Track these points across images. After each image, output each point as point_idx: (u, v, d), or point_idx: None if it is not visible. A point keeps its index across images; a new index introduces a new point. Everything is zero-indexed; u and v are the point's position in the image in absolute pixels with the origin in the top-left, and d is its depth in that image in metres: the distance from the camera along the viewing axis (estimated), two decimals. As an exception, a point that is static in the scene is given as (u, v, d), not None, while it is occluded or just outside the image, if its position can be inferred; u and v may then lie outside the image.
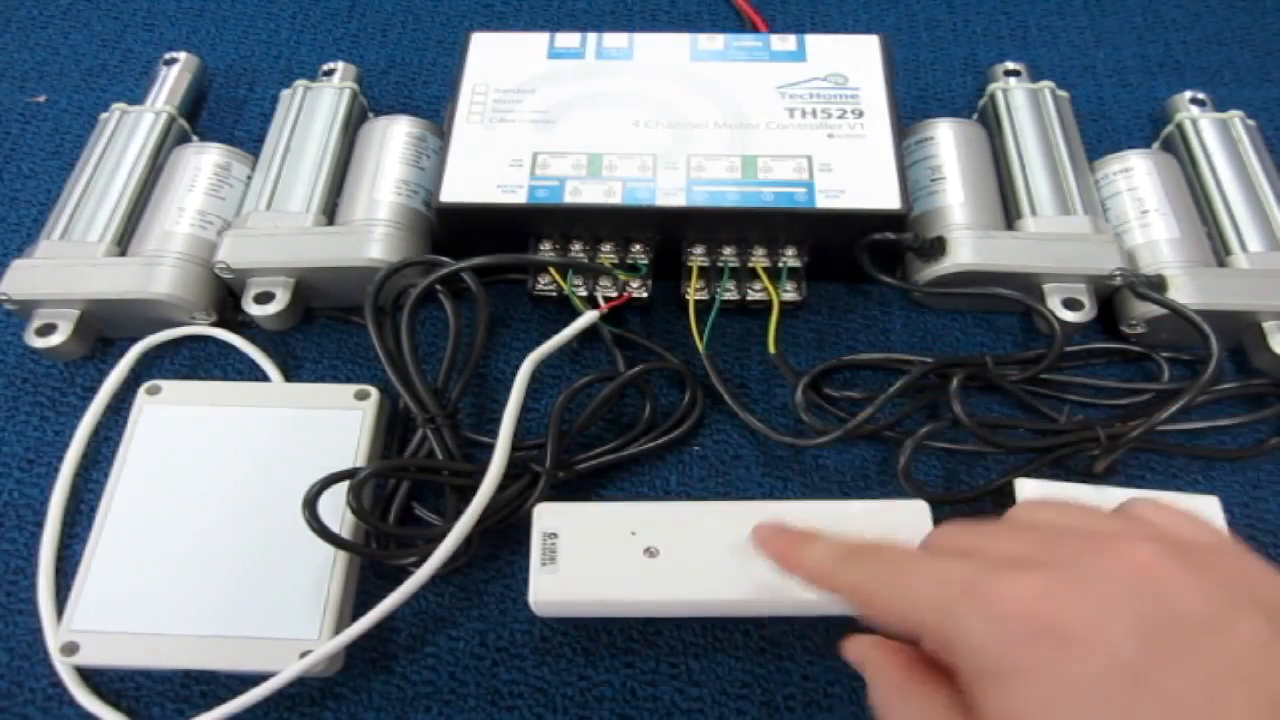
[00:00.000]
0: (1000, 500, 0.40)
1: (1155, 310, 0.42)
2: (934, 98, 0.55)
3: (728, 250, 0.43)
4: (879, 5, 0.60)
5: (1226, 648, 0.21)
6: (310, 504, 0.35)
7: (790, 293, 0.43)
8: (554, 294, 0.43)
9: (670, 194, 0.42)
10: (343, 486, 0.35)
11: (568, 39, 0.48)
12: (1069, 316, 0.42)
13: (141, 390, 0.41)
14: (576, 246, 0.43)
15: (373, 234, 0.43)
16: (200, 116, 0.55)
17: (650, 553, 0.36)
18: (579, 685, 0.36)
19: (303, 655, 0.34)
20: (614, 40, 0.48)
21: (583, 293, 0.43)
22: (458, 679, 0.36)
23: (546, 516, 0.36)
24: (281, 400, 0.41)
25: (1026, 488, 0.39)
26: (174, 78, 0.53)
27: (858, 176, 0.42)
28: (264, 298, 0.43)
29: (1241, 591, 0.22)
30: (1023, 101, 0.49)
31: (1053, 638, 0.22)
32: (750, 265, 0.43)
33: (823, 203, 0.42)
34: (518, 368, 0.40)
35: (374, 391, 0.41)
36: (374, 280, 0.41)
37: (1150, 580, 0.22)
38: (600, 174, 0.43)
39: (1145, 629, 0.21)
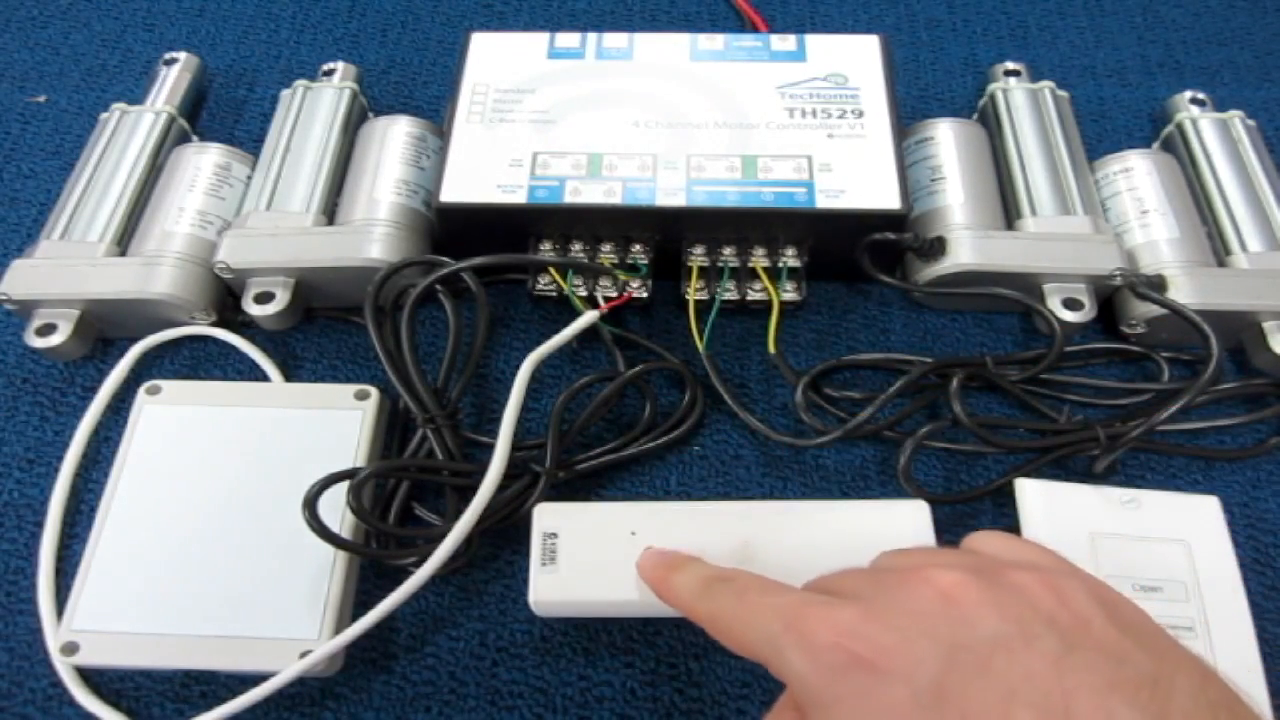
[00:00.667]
0: (1000, 500, 0.40)
1: (1155, 310, 0.42)
2: (934, 98, 0.55)
3: (728, 250, 0.43)
4: (879, 5, 0.60)
5: (1019, 665, 0.22)
6: (310, 504, 0.35)
7: (790, 293, 0.43)
8: (554, 294, 0.43)
9: (670, 194, 0.42)
10: (343, 486, 0.35)
11: (568, 39, 0.48)
12: (1069, 316, 0.42)
13: (141, 390, 0.41)
14: (576, 246, 0.43)
15: (373, 234, 0.43)
16: (200, 116, 0.55)
17: (650, 553, 0.36)
18: (579, 685, 0.36)
19: (303, 655, 0.34)
20: (614, 40, 0.48)
21: (583, 293, 0.43)
22: (458, 679, 0.36)
23: (546, 516, 0.36)
24: (281, 400, 0.41)
25: (1026, 488, 0.39)
26: (174, 78, 0.53)
27: (858, 176, 0.42)
28: (264, 298, 0.43)
29: (1039, 610, 0.23)
30: (1023, 101, 0.49)
31: (862, 667, 0.23)
32: (750, 265, 0.43)
33: (823, 203, 0.42)
34: (518, 368, 0.40)
35: (374, 391, 0.41)
36: (374, 280, 0.41)
37: (950, 605, 0.23)
38: (600, 174, 0.43)
39: (944, 652, 0.22)
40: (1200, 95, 0.51)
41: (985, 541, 0.28)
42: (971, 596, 0.23)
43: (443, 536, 0.35)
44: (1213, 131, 0.48)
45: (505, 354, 0.45)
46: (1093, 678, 0.21)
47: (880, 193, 0.42)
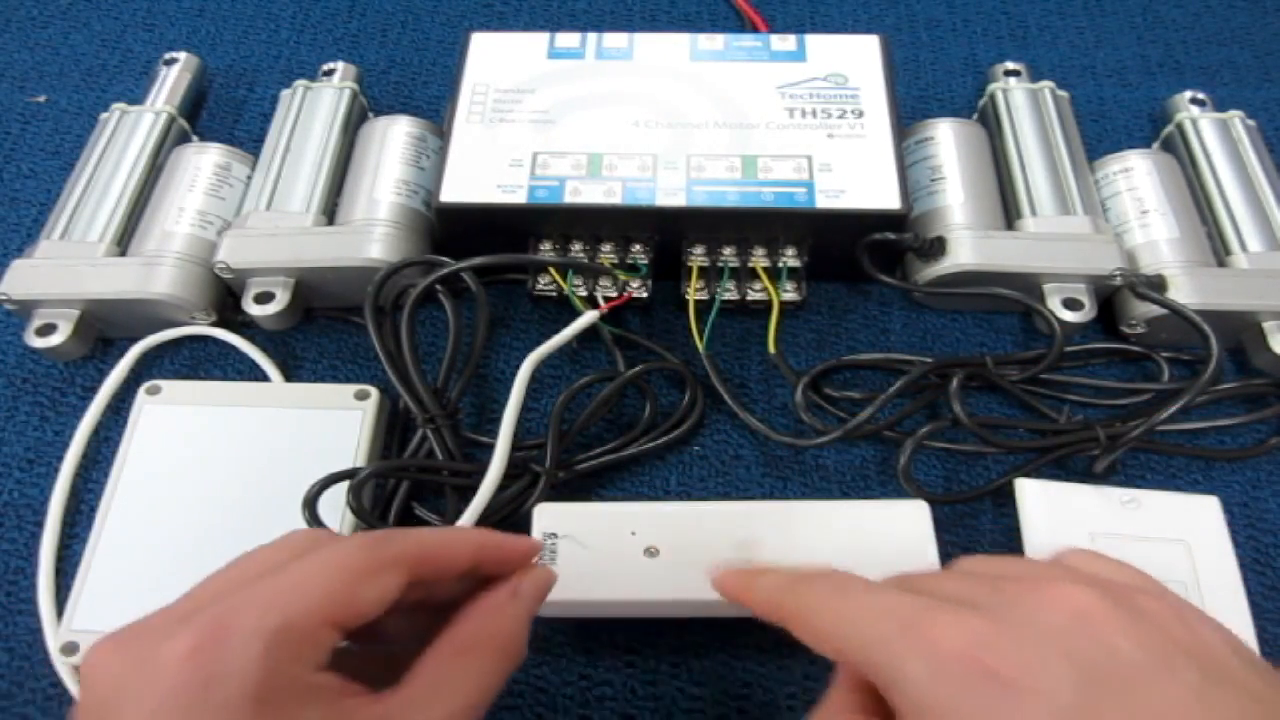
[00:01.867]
0: (1000, 500, 0.40)
1: (1155, 310, 0.42)
2: (934, 98, 0.55)
3: (728, 250, 0.43)
4: (879, 5, 0.60)
5: (1162, 696, 0.21)
6: (310, 504, 0.35)
7: (790, 293, 0.43)
8: (554, 294, 0.43)
9: (670, 194, 0.42)
10: (343, 486, 0.35)
11: (568, 39, 0.48)
12: (1069, 316, 0.42)
13: (141, 390, 0.41)
14: (576, 246, 0.43)
15: (373, 234, 0.43)
16: (200, 116, 0.55)
17: (650, 553, 0.36)
18: (579, 685, 0.36)
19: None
20: (614, 40, 0.48)
21: (583, 293, 0.43)
22: (458, 679, 0.36)
23: (546, 516, 0.36)
24: (281, 400, 0.41)
25: (1026, 488, 0.39)
26: (174, 78, 0.53)
27: (858, 176, 0.42)
28: (264, 298, 0.43)
29: (1176, 639, 0.23)
30: (1023, 101, 0.49)
31: (993, 682, 0.22)
32: (750, 265, 0.43)
33: (823, 203, 0.42)
34: (518, 368, 0.40)
35: (374, 391, 0.41)
36: (374, 280, 0.41)
37: (1088, 625, 0.23)
38: (600, 174, 0.43)
39: (1083, 676, 0.21)
40: (1200, 95, 0.51)
41: (1087, 561, 0.27)
42: (1109, 619, 0.23)
43: (443, 536, 0.35)
44: (1213, 131, 0.48)
45: (505, 354, 0.45)
46: (1234, 714, 0.21)
47: (880, 193, 0.42)
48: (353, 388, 0.41)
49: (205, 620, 0.23)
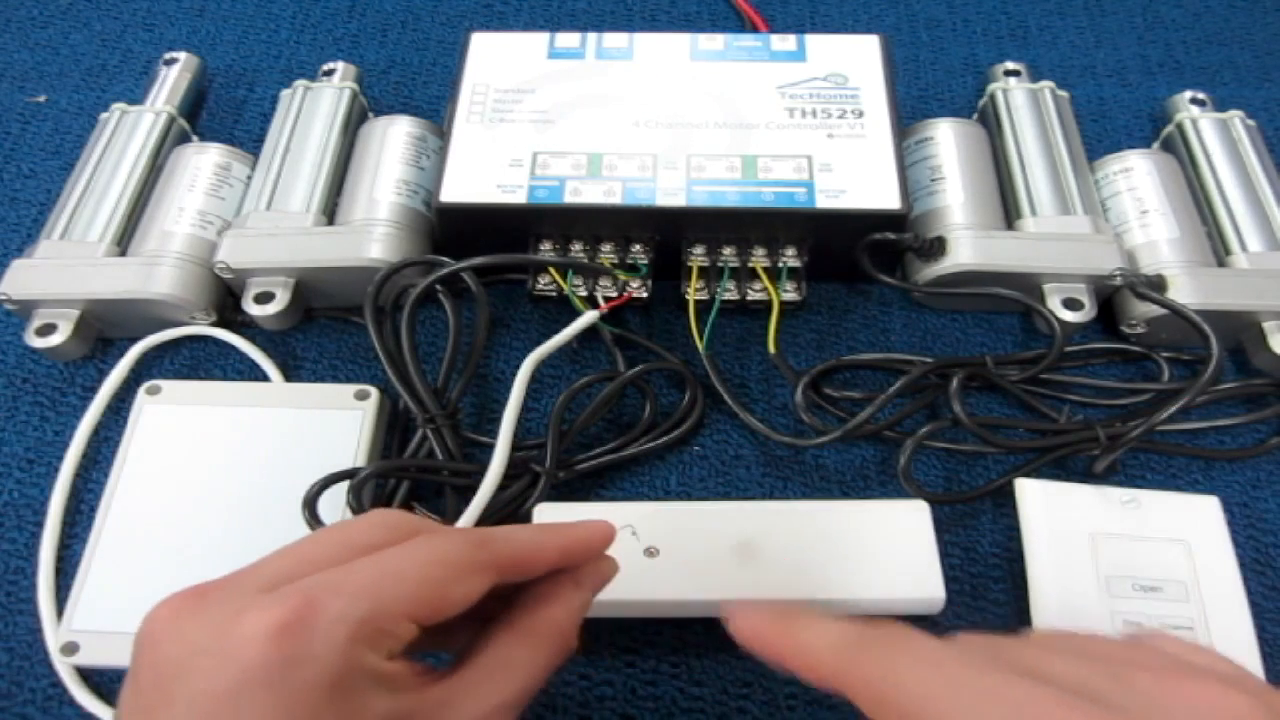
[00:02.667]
0: (1000, 500, 0.40)
1: (1155, 310, 0.42)
2: (934, 98, 0.55)
3: (728, 250, 0.43)
4: (879, 5, 0.60)
5: None
6: (310, 504, 0.35)
7: (790, 293, 0.43)
8: (554, 294, 0.43)
9: (670, 194, 0.42)
10: (343, 486, 0.35)
11: (568, 39, 0.48)
12: (1069, 316, 0.42)
13: (141, 390, 0.41)
14: (576, 246, 0.43)
15: (373, 234, 0.43)
16: (200, 116, 0.55)
17: (650, 553, 0.36)
18: (579, 685, 0.36)
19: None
20: (614, 40, 0.48)
21: (583, 293, 0.43)
22: (458, 679, 0.36)
23: (546, 516, 0.36)
24: (281, 400, 0.41)
25: (1026, 488, 0.39)
26: (174, 78, 0.53)
27: (858, 176, 0.42)
28: (264, 298, 0.43)
29: None
30: (1023, 101, 0.49)
31: None
32: (750, 265, 0.43)
33: (823, 203, 0.42)
34: (518, 368, 0.40)
35: (374, 391, 0.41)
36: (374, 280, 0.41)
37: None
38: (600, 174, 0.43)
39: None
40: (1200, 95, 0.51)
41: (1189, 651, 0.24)
42: None
43: (443, 536, 0.35)
44: (1213, 131, 0.48)
45: (505, 354, 0.45)
46: None
47: (880, 193, 0.42)
48: (353, 388, 0.41)
49: (295, 598, 0.22)
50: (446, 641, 0.26)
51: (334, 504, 0.36)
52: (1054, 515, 0.38)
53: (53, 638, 0.36)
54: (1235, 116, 0.49)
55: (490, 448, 0.38)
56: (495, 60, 0.47)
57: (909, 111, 0.52)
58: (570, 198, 0.42)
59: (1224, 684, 0.21)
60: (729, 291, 0.43)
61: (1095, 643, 0.24)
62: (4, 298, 0.42)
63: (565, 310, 0.43)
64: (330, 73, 0.52)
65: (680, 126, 0.44)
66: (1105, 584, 0.36)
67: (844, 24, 0.59)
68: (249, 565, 0.25)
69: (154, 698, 0.22)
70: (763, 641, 0.26)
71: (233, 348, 0.44)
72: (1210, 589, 0.36)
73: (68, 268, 0.43)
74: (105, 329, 0.45)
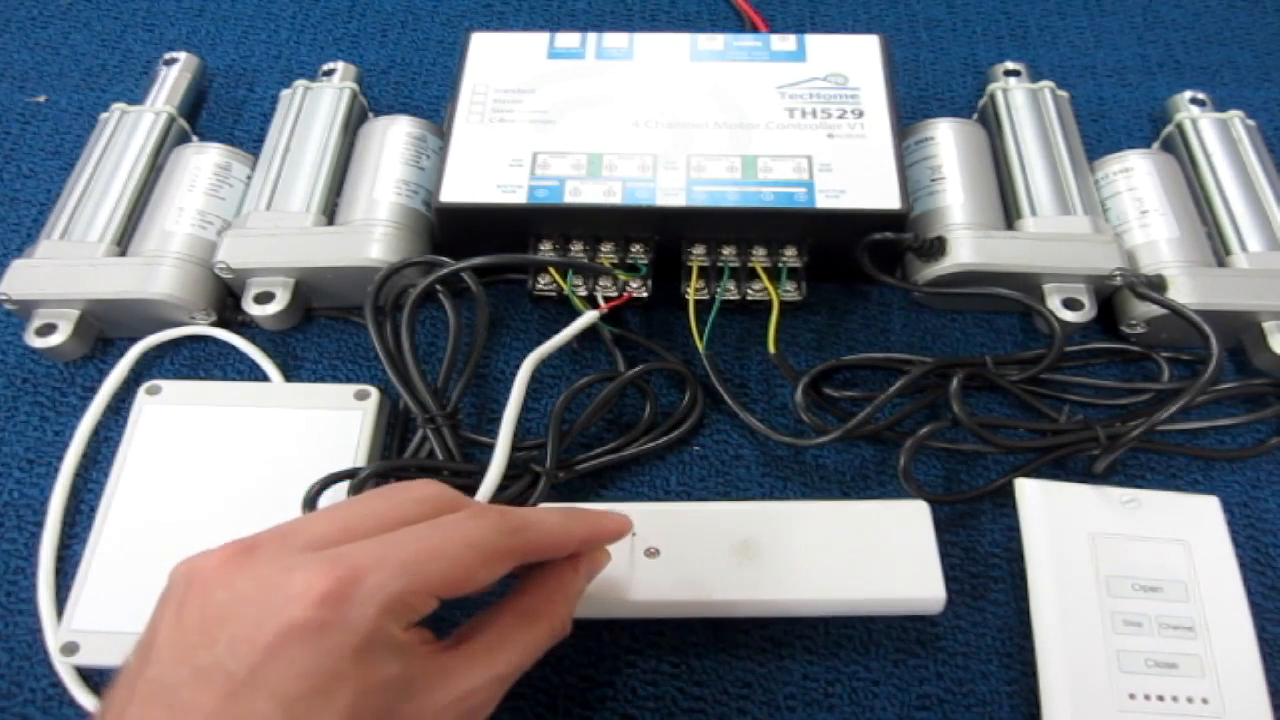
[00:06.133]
0: (1000, 500, 0.40)
1: (1155, 310, 0.42)
2: (934, 98, 0.55)
3: (728, 250, 0.43)
4: (879, 5, 0.60)
5: None
6: (310, 504, 0.35)
7: (790, 293, 0.43)
8: (554, 294, 0.43)
9: (670, 194, 0.42)
10: (343, 486, 0.35)
11: (568, 39, 0.48)
12: (1069, 316, 0.42)
13: (141, 390, 0.41)
14: (576, 246, 0.43)
15: (373, 234, 0.43)
16: (200, 116, 0.55)
17: (650, 553, 0.36)
18: (580, 685, 0.36)
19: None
20: (614, 40, 0.48)
21: (583, 293, 0.43)
22: (458, 679, 0.36)
23: (547, 516, 0.36)
24: (281, 400, 0.41)
25: (1026, 488, 0.39)
26: (174, 78, 0.53)
27: (858, 176, 0.42)
28: (264, 298, 0.43)
29: None
30: (1023, 101, 0.49)
31: None
32: (750, 265, 0.43)
33: (823, 203, 0.42)
34: (518, 368, 0.40)
35: (374, 391, 0.41)
36: (374, 280, 0.41)
37: None
38: (600, 174, 0.43)
39: None
40: (1200, 95, 0.51)
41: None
42: None
43: (443, 536, 0.35)
44: (1213, 131, 0.48)
45: (505, 354, 0.45)
46: None
47: (880, 193, 0.42)
48: (353, 388, 0.41)
49: (341, 567, 0.24)
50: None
51: (334, 504, 0.36)
52: (1054, 515, 0.38)
53: (53, 638, 0.36)
54: (1235, 116, 0.49)
55: (490, 448, 0.38)
56: (495, 60, 0.47)
57: (909, 111, 0.52)
58: (570, 198, 0.42)
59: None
60: (729, 291, 0.43)
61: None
62: (4, 298, 0.42)
63: (565, 310, 0.43)
64: (330, 73, 0.52)
65: (680, 126, 0.44)
66: (1105, 584, 0.36)
67: (844, 24, 0.59)
68: (294, 521, 0.27)
69: (197, 638, 0.24)
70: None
71: (233, 348, 0.44)
72: (1210, 589, 0.36)
73: (68, 268, 0.43)
74: (105, 329, 0.45)
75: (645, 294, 0.43)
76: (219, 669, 0.23)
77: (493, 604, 0.29)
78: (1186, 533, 0.37)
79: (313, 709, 0.23)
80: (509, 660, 0.28)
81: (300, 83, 0.51)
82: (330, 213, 0.46)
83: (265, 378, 0.43)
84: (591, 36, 0.48)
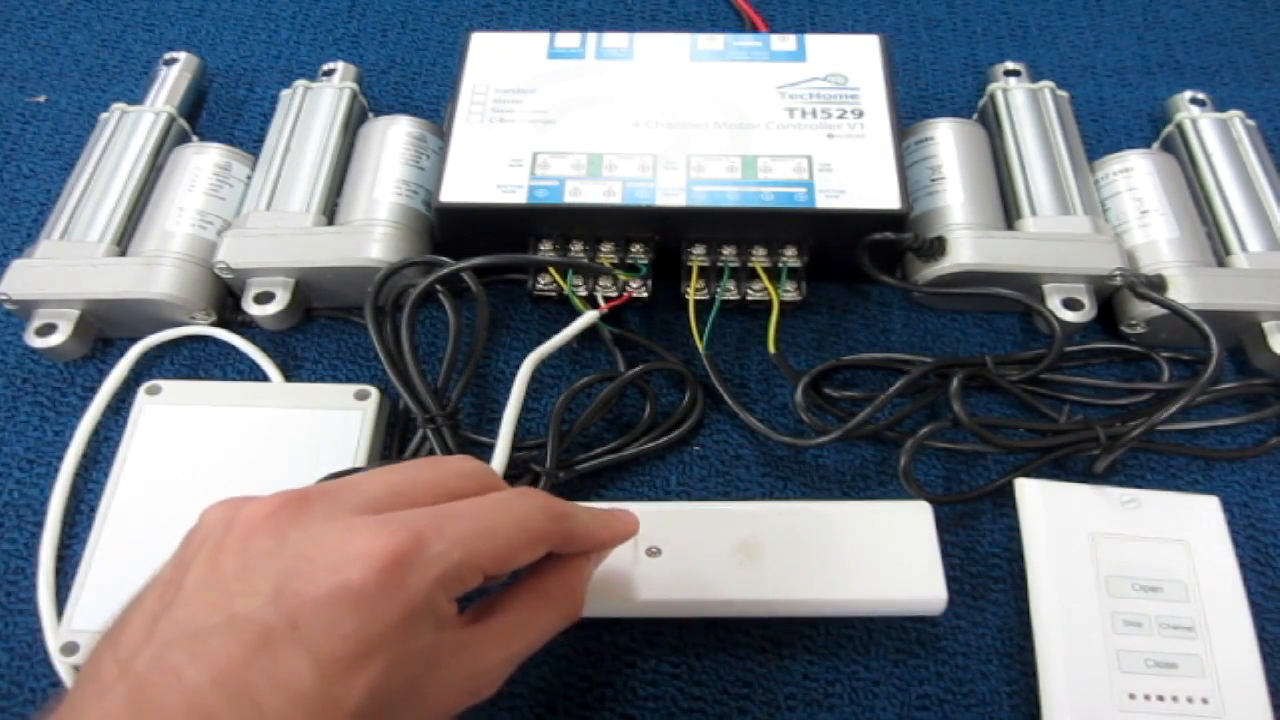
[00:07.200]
0: (1000, 500, 0.40)
1: (1155, 310, 0.42)
2: (934, 98, 0.55)
3: (728, 250, 0.43)
4: (879, 5, 0.60)
5: None
6: (310, 504, 0.35)
7: (790, 293, 0.43)
8: (554, 294, 0.43)
9: (670, 194, 0.42)
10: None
11: (568, 39, 0.48)
12: (1069, 316, 0.42)
13: (141, 390, 0.41)
14: (576, 246, 0.43)
15: (373, 234, 0.43)
16: (200, 116, 0.55)
17: (651, 553, 0.36)
18: (580, 685, 0.36)
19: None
20: (614, 40, 0.48)
21: (583, 293, 0.43)
22: (458, 679, 0.36)
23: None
24: (281, 400, 0.41)
25: (1026, 488, 0.39)
26: (174, 78, 0.53)
27: (858, 176, 0.42)
28: (264, 298, 0.43)
29: None
30: (1023, 101, 0.49)
31: None
32: (750, 265, 0.43)
33: (823, 203, 0.42)
34: (518, 368, 0.40)
35: (374, 391, 0.41)
36: (374, 280, 0.41)
37: None
38: (600, 174, 0.43)
39: None
40: (1200, 95, 0.51)
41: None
42: None
43: (443, 536, 0.35)
44: (1213, 131, 0.48)
45: (505, 354, 0.45)
46: None
47: (880, 193, 0.42)
48: (353, 388, 0.41)
49: (406, 533, 0.24)
50: None
51: (334, 504, 0.36)
52: (1054, 515, 0.38)
53: (53, 638, 0.36)
54: (1235, 116, 0.49)
55: (490, 448, 0.38)
56: (495, 60, 0.47)
57: (909, 111, 0.52)
58: (570, 198, 0.42)
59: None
60: (729, 291, 0.43)
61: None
62: (4, 298, 0.42)
63: (565, 310, 0.43)
64: (330, 73, 0.52)
65: (680, 126, 0.44)
66: (1105, 584, 0.36)
67: (844, 24, 0.59)
68: (342, 480, 0.27)
69: (237, 585, 0.24)
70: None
71: (233, 348, 0.44)
72: (1210, 589, 0.36)
73: (68, 268, 0.43)
74: (105, 329, 0.45)
75: (645, 294, 0.43)
76: (255, 618, 0.23)
77: (510, 584, 0.30)
78: (1186, 533, 0.37)
79: (346, 671, 0.23)
80: (526, 640, 0.29)
81: (300, 83, 0.51)
82: (330, 213, 0.46)
83: (265, 378, 0.43)
84: (591, 36, 0.48)
